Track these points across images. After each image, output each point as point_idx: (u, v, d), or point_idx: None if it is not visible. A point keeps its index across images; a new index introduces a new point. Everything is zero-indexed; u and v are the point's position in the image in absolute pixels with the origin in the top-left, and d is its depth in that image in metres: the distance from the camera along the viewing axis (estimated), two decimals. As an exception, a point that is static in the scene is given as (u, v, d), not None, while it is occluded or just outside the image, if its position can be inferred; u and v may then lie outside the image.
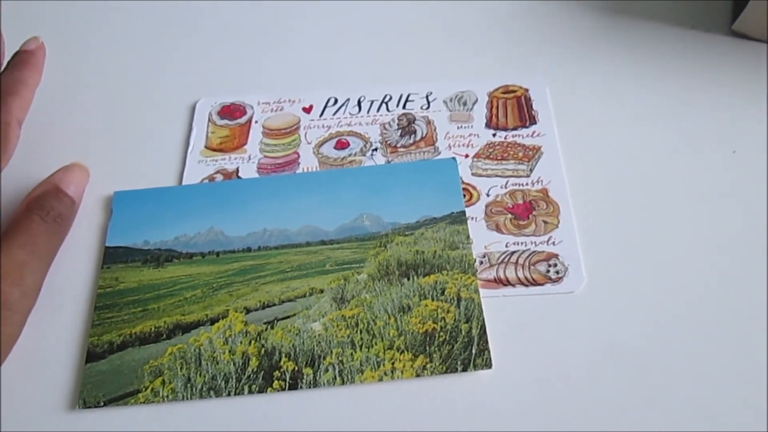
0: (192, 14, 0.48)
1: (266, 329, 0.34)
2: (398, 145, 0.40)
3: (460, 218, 0.36)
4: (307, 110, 0.42)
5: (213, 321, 0.34)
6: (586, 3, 0.45)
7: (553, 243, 0.35)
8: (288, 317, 0.34)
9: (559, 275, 0.34)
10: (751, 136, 0.38)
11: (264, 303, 0.35)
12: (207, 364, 0.33)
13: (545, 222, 0.36)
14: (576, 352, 0.32)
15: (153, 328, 0.34)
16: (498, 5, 0.46)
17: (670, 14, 0.44)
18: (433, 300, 0.34)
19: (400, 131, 0.40)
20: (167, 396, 0.32)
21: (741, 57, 0.42)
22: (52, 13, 0.49)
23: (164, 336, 0.34)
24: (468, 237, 0.36)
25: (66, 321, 0.35)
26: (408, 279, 0.35)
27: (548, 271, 0.34)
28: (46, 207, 0.35)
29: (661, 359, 0.32)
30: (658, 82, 0.41)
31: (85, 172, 0.38)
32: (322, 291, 0.35)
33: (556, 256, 0.35)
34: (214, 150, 0.41)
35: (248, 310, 0.35)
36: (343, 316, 0.34)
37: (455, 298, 0.34)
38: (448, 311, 0.33)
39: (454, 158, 0.39)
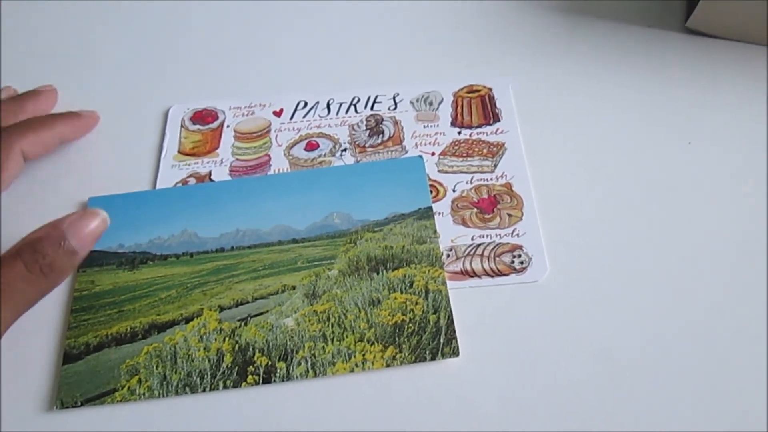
0: (163, 23, 0.49)
1: (240, 326, 0.35)
2: (366, 146, 0.41)
3: (427, 213, 0.38)
4: (278, 114, 0.43)
5: (188, 320, 0.35)
6: (545, 4, 0.47)
7: (517, 235, 0.37)
8: (261, 314, 0.35)
9: (524, 265, 0.36)
10: (706, 128, 0.40)
11: (237, 301, 0.36)
12: (182, 362, 0.33)
13: (509, 215, 0.37)
14: (540, 338, 0.33)
15: (129, 329, 0.35)
16: (460, 7, 0.47)
17: (627, 13, 0.46)
18: (402, 293, 0.35)
19: (368, 132, 0.41)
20: (144, 394, 0.33)
21: (695, 53, 0.43)
22: (25, 19, 0.49)
23: (140, 336, 0.35)
24: (435, 231, 0.37)
25: (43, 324, 0.35)
26: (377, 273, 0.36)
27: (513, 261, 0.36)
28: (38, 254, 0.31)
29: (621, 344, 0.33)
30: (616, 78, 0.43)
31: (103, 223, 0.34)
32: (294, 287, 0.36)
33: (520, 247, 0.36)
34: (187, 154, 0.41)
35: (222, 309, 0.35)
36: (314, 311, 0.35)
37: (423, 291, 0.35)
38: (416, 303, 0.34)
39: (420, 156, 0.40)
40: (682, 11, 0.46)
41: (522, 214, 0.37)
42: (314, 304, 0.35)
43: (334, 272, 0.36)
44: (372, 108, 0.43)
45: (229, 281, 0.37)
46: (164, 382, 0.33)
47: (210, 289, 0.36)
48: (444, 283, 0.35)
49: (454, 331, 0.33)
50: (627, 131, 0.40)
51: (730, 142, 0.39)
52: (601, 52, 0.44)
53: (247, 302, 0.36)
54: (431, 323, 0.34)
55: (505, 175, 0.39)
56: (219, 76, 0.45)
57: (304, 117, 0.43)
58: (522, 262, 0.36)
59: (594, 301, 0.34)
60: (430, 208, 0.38)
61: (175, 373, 0.33)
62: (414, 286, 0.35)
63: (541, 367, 0.32)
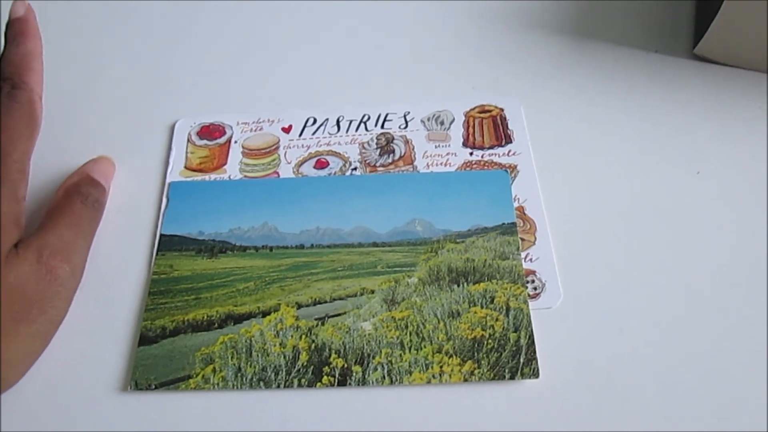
0: (170, 35, 0.48)
1: (317, 325, 0.34)
2: (377, 165, 0.40)
3: (510, 229, 0.37)
4: (286, 130, 0.42)
5: (265, 314, 0.35)
6: (555, 28, 0.46)
7: (531, 260, 0.36)
8: (339, 315, 0.35)
9: (537, 291, 0.35)
10: (714, 157, 0.39)
11: (315, 300, 0.35)
12: (257, 356, 0.33)
13: (522, 239, 0.37)
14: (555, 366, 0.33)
15: (205, 317, 0.35)
16: (471, 28, 0.47)
17: (635, 39, 0.45)
18: (482, 308, 0.34)
19: (378, 150, 0.41)
20: (218, 384, 0.33)
21: (703, 79, 0.43)
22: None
23: (216, 325, 0.35)
24: (518, 248, 0.36)
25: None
26: (458, 285, 0.35)
27: (526, 287, 0.35)
28: (84, 193, 0.36)
29: (637, 371, 0.32)
30: (625, 103, 0.42)
31: (112, 165, 0.40)
32: (372, 291, 0.35)
33: (533, 272, 0.36)
34: (194, 170, 0.41)
35: (300, 306, 0.35)
36: (393, 317, 0.34)
37: (504, 307, 0.34)
38: (497, 319, 0.34)
39: (506, 170, 0.39)
40: (689, 38, 0.45)
41: (535, 239, 0.37)
42: (392, 310, 0.35)
43: (413, 280, 0.36)
44: (382, 126, 0.42)
45: (307, 279, 0.36)
46: (239, 374, 0.33)
47: (288, 285, 0.36)
48: (526, 302, 0.34)
49: (535, 352, 0.33)
50: (636, 156, 0.40)
51: (738, 168, 0.39)
52: (610, 77, 0.43)
53: (325, 302, 0.35)
54: (511, 341, 0.33)
55: (518, 199, 0.38)
56: (226, 90, 0.44)
57: (314, 134, 0.42)
58: (535, 288, 0.35)
59: (610, 331, 0.33)
60: (514, 224, 0.37)
61: (250, 366, 0.33)
62: (495, 301, 0.34)
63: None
